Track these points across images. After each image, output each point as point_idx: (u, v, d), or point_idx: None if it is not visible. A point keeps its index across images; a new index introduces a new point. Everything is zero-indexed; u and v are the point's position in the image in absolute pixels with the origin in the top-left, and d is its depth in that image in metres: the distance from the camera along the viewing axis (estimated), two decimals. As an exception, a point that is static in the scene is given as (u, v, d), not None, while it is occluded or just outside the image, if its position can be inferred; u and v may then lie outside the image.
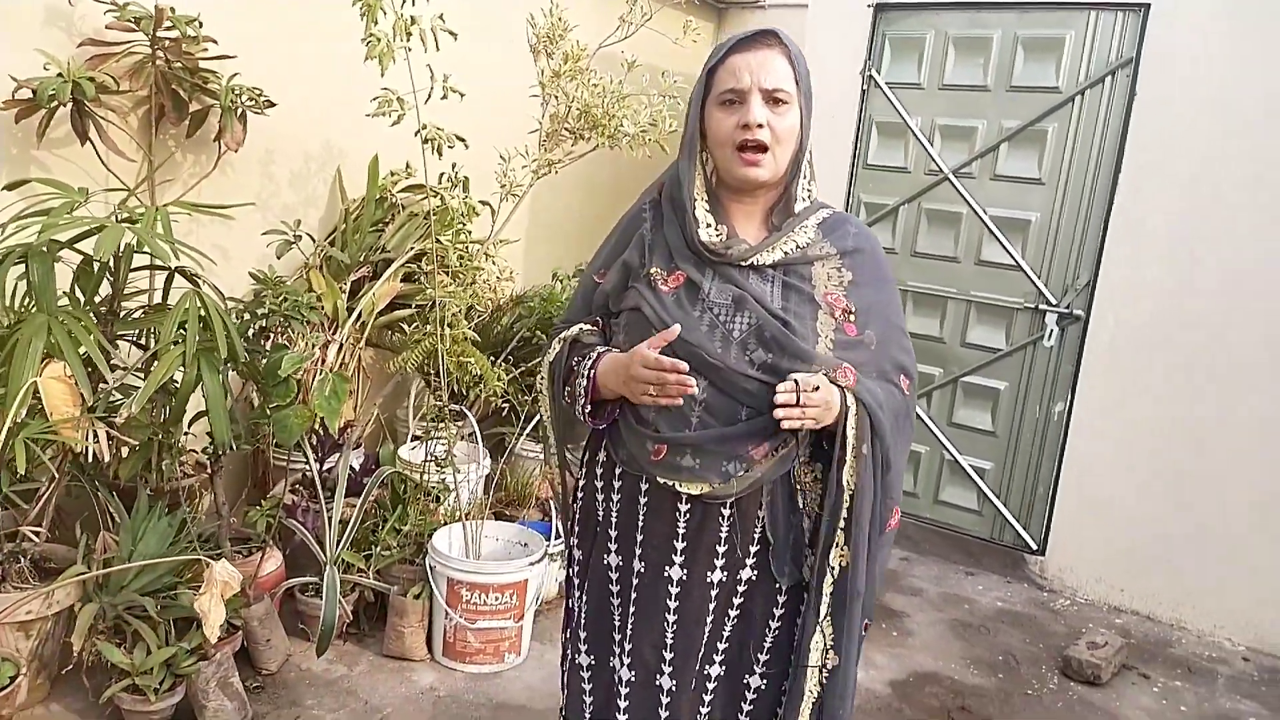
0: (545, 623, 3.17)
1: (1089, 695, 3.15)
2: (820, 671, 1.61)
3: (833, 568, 1.59)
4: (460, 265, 3.17)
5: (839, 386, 1.56)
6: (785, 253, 1.62)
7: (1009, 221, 3.99)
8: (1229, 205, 3.50)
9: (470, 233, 3.35)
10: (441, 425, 3.13)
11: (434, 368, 3.18)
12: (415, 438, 3.58)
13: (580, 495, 1.79)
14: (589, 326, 1.76)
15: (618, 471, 1.70)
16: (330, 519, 2.84)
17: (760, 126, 1.55)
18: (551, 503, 3.44)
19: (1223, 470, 3.58)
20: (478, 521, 3.02)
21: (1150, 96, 3.60)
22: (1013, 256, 3.98)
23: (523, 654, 2.95)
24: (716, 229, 1.62)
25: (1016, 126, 3.91)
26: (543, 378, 1.80)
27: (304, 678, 2.72)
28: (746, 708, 1.69)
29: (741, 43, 1.59)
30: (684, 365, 1.51)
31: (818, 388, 1.51)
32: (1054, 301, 3.90)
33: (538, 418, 3.38)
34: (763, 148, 1.56)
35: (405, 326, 3.40)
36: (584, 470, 1.79)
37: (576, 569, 1.80)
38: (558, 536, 3.20)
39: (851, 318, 1.62)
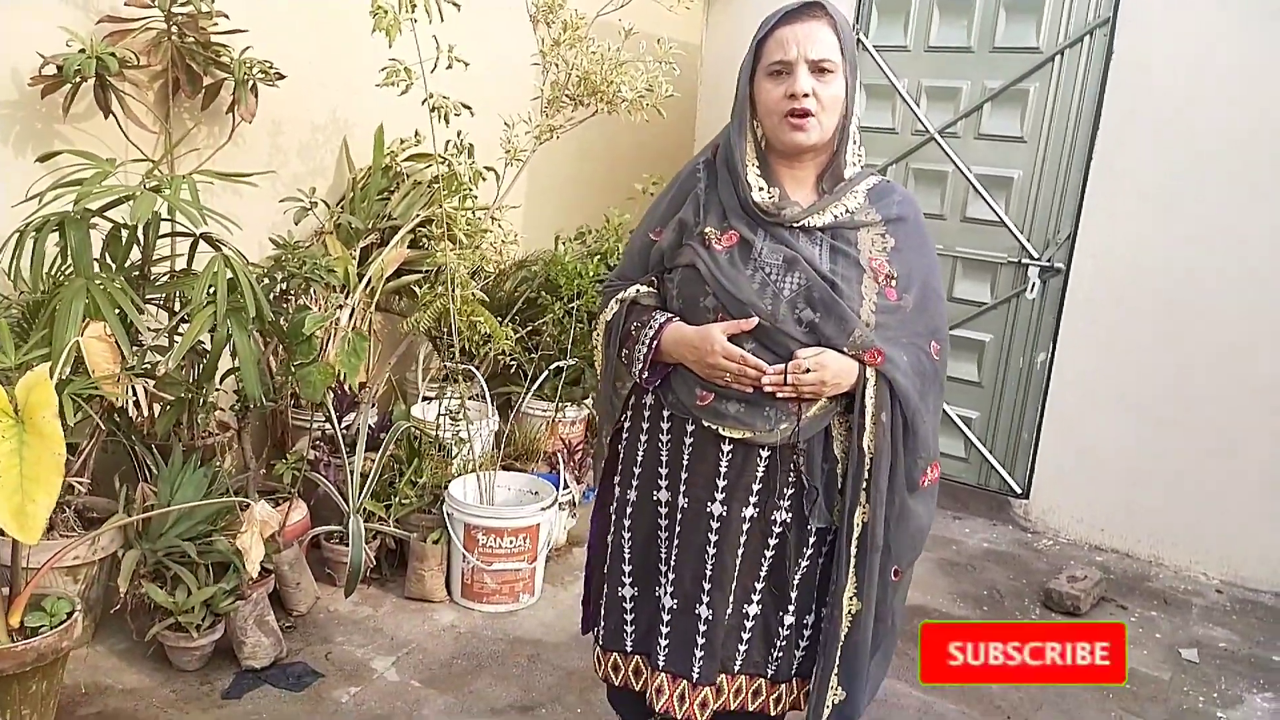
0: (555, 567, 3.35)
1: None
2: (846, 616, 1.74)
3: (855, 523, 1.71)
4: (467, 230, 3.31)
5: (859, 360, 1.66)
6: (835, 216, 1.71)
7: (993, 179, 4.13)
8: (1203, 155, 3.64)
9: (476, 198, 3.48)
10: (454, 382, 3.29)
11: (444, 328, 3.33)
12: (426, 398, 3.73)
13: (625, 437, 1.87)
14: (645, 288, 1.83)
15: (665, 414, 1.79)
16: (352, 472, 3.00)
17: (806, 96, 1.62)
18: (560, 455, 3.61)
19: (1198, 414, 3.75)
20: (491, 472, 3.18)
21: (1127, 55, 3.74)
22: (997, 213, 4.13)
23: (536, 594, 3.13)
24: (769, 192, 1.71)
25: (999, 86, 4.05)
26: (598, 334, 1.88)
27: (333, 618, 2.90)
28: (780, 643, 1.81)
29: (789, 15, 1.66)
30: (764, 364, 1.64)
31: (809, 370, 1.63)
32: (1036, 255, 4.06)
33: (543, 377, 3.58)
34: (808, 114, 1.64)
35: (415, 290, 3.54)
36: (629, 414, 1.87)
37: (618, 506, 1.88)
38: (565, 487, 3.37)
39: (893, 283, 1.70)
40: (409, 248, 3.54)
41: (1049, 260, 4.03)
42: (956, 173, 4.20)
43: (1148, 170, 3.76)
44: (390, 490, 3.15)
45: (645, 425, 1.83)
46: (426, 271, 3.49)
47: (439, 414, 3.38)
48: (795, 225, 1.70)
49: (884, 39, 4.32)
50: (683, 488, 1.77)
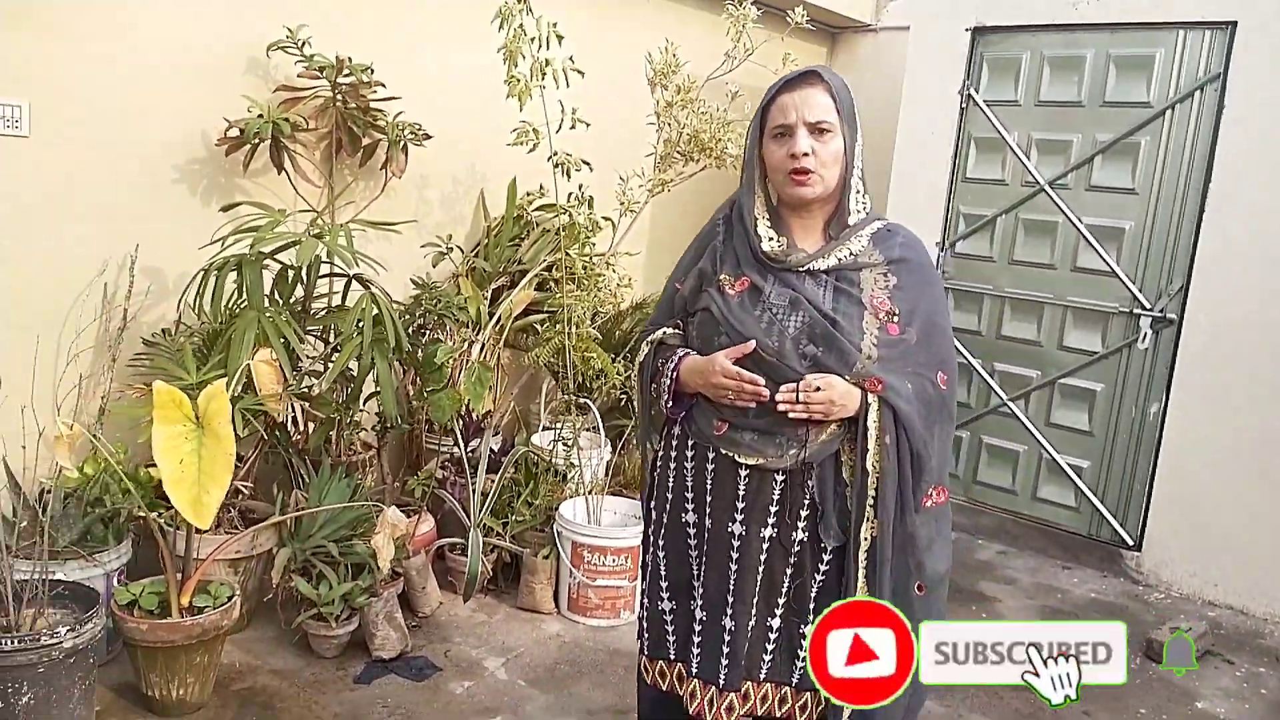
0: (658, 590, 3.56)
1: (1169, 676, 3.32)
2: None
3: (864, 538, 1.82)
4: (585, 274, 3.62)
5: (861, 388, 1.79)
6: (839, 259, 1.87)
7: (1104, 230, 4.17)
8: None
9: (594, 245, 3.79)
10: (569, 415, 3.58)
11: (562, 363, 3.63)
12: (545, 427, 4.04)
13: (658, 465, 2.05)
14: (671, 330, 2.02)
15: (690, 444, 1.96)
16: (474, 491, 3.32)
17: (806, 155, 1.80)
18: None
19: (1317, 469, 3.67)
20: (599, 495, 3.44)
21: (1238, 110, 3.75)
22: (1108, 263, 4.16)
23: (635, 611, 3.34)
24: (778, 240, 1.89)
25: (1110, 140, 4.11)
26: (634, 375, 2.11)
27: (452, 621, 3.20)
28: (802, 654, 1.89)
29: (789, 83, 1.85)
30: (760, 380, 1.79)
31: (819, 389, 1.77)
32: (1148, 306, 4.07)
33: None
34: (809, 171, 1.82)
35: (538, 328, 3.87)
36: (663, 444, 2.05)
37: (654, 528, 2.06)
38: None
39: (895, 319, 1.84)
40: (535, 290, 3.88)
41: (1161, 311, 4.03)
42: (1067, 223, 4.26)
43: (1261, 224, 3.74)
44: (508, 509, 3.45)
45: (674, 454, 1.99)
46: (551, 312, 3.81)
47: (554, 441, 3.68)
48: (801, 270, 1.86)
49: (995, 94, 4.44)
50: (708, 510, 1.93)
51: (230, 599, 2.60)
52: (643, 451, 2.15)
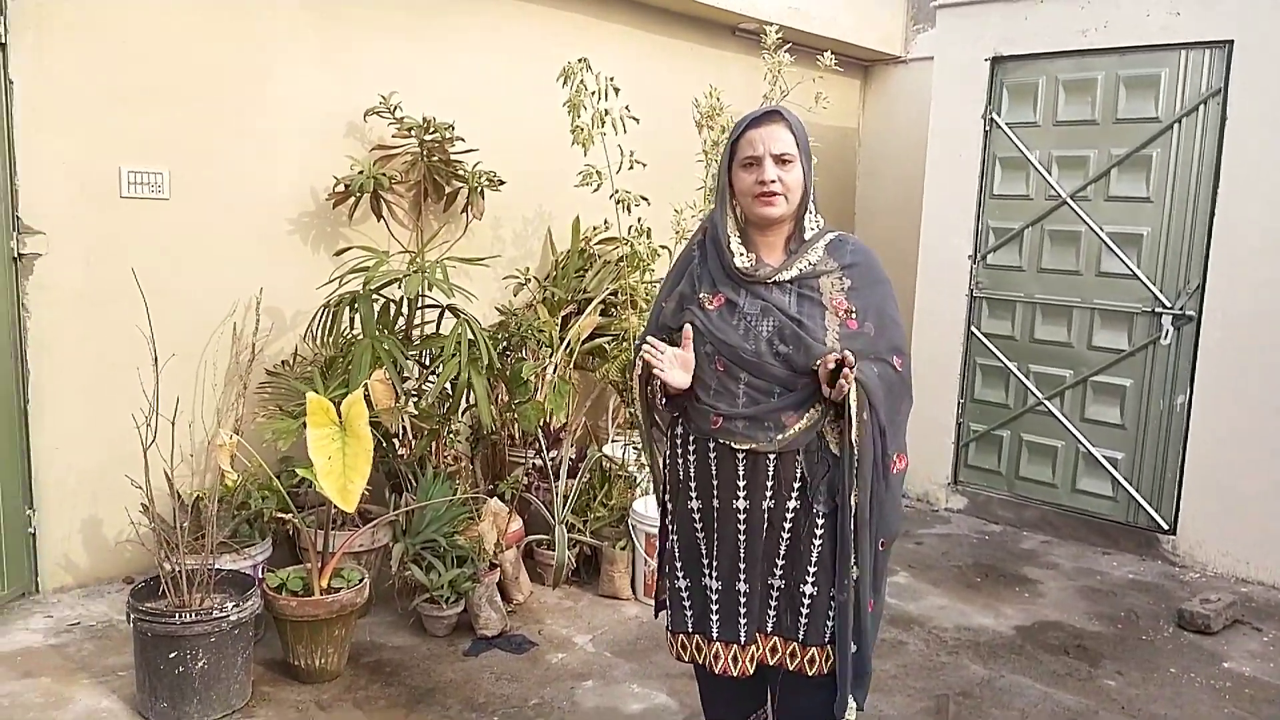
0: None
1: (1199, 641, 3.60)
2: (852, 580, 2.09)
3: (850, 504, 2.06)
4: (645, 298, 4.05)
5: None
6: (800, 270, 2.11)
7: (1123, 236, 4.51)
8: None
9: (653, 272, 4.23)
10: (634, 428, 3.99)
11: (626, 380, 4.05)
12: (615, 439, 4.46)
13: (667, 461, 2.28)
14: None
15: (692, 439, 2.19)
16: (556, 492, 3.74)
17: (773, 181, 2.06)
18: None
19: (1335, 448, 3.94)
20: (667, 494, 3.84)
21: (1239, 119, 4.08)
22: (1129, 267, 4.49)
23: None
24: (747, 257, 2.13)
25: (1124, 153, 4.45)
26: (632, 385, 2.30)
27: (543, 606, 3.61)
28: (805, 611, 2.13)
29: (755, 120, 2.09)
30: (661, 345, 2.06)
31: (854, 365, 1.97)
32: (1168, 304, 4.38)
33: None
34: (775, 193, 2.07)
35: (605, 349, 4.30)
36: (669, 444, 2.27)
37: (666, 515, 2.29)
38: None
39: (853, 315, 2.09)
40: (600, 315, 4.32)
41: (1181, 308, 4.34)
42: (1089, 232, 4.60)
43: (1269, 221, 4.05)
44: (586, 508, 3.87)
45: (680, 450, 2.23)
46: (615, 335, 4.24)
47: (624, 448, 4.09)
48: (769, 282, 2.11)
49: (1015, 117, 4.81)
50: (714, 492, 2.16)
51: (361, 580, 3.05)
52: (648, 451, 2.38)
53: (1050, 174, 4.71)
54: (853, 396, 2.01)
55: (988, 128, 4.89)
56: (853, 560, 2.09)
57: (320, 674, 2.98)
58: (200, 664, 2.71)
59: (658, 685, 3.09)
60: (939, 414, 5.12)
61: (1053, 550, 4.60)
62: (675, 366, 2.09)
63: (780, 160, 2.07)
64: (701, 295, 2.15)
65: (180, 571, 2.78)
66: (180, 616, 2.69)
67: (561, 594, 3.72)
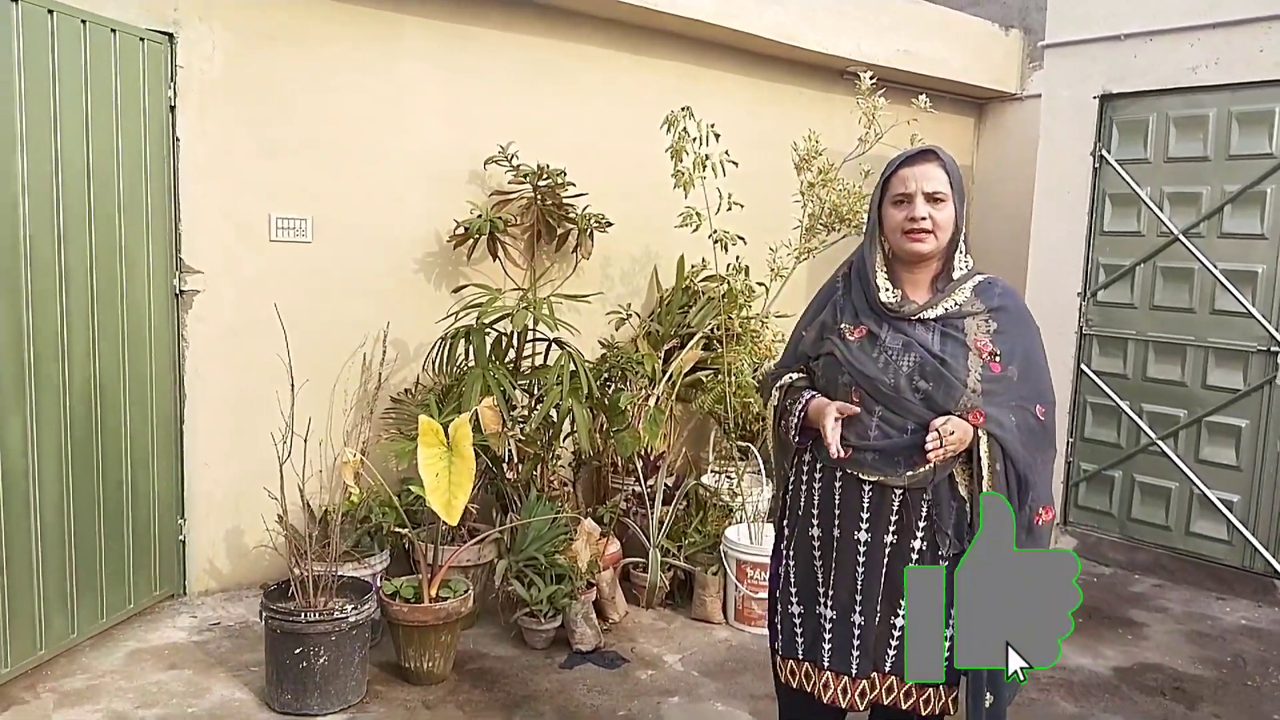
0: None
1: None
2: None
3: None
4: (744, 333, 4.22)
5: (970, 424, 2.02)
6: (945, 309, 2.11)
7: (1238, 274, 4.40)
8: None
9: (751, 307, 4.39)
10: (734, 457, 4.15)
11: (725, 409, 4.22)
12: (714, 471, 4.62)
13: (790, 487, 2.28)
14: (798, 375, 2.27)
15: (819, 468, 2.20)
16: (652, 518, 3.93)
17: (924, 219, 2.07)
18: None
19: None
20: (760, 523, 3.98)
21: (1359, 153, 3.97)
22: (1244, 304, 4.38)
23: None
24: (893, 293, 2.14)
25: (1237, 189, 4.37)
26: (765, 416, 2.35)
27: (636, 626, 3.80)
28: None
29: (910, 158, 2.12)
30: (838, 440, 2.02)
31: (953, 431, 1.97)
32: (1286, 344, 4.25)
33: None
34: (926, 230, 2.08)
35: (705, 381, 4.48)
36: (794, 471, 2.28)
37: (785, 543, 2.28)
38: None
39: (997, 358, 2.07)
40: (702, 349, 4.50)
41: (1299, 348, 4.21)
42: (1202, 269, 4.51)
43: (1392, 259, 3.91)
44: (681, 534, 4.04)
45: (805, 477, 2.23)
46: (715, 369, 4.42)
47: (720, 478, 4.25)
48: (913, 318, 2.12)
49: (1125, 153, 4.78)
50: (836, 522, 2.15)
51: (466, 591, 3.31)
52: (777, 476, 2.40)
53: (1162, 210, 4.64)
54: (983, 447, 2.02)
55: (1097, 164, 4.86)
56: None
57: (428, 676, 3.24)
58: (321, 660, 3.01)
59: (741, 705, 3.23)
60: (1046, 452, 5.06)
61: (1164, 594, 4.49)
62: (839, 428, 2.08)
63: (932, 199, 2.08)
64: (843, 325, 2.17)
65: (308, 576, 3.10)
66: (305, 616, 2.99)
67: (655, 615, 3.90)
